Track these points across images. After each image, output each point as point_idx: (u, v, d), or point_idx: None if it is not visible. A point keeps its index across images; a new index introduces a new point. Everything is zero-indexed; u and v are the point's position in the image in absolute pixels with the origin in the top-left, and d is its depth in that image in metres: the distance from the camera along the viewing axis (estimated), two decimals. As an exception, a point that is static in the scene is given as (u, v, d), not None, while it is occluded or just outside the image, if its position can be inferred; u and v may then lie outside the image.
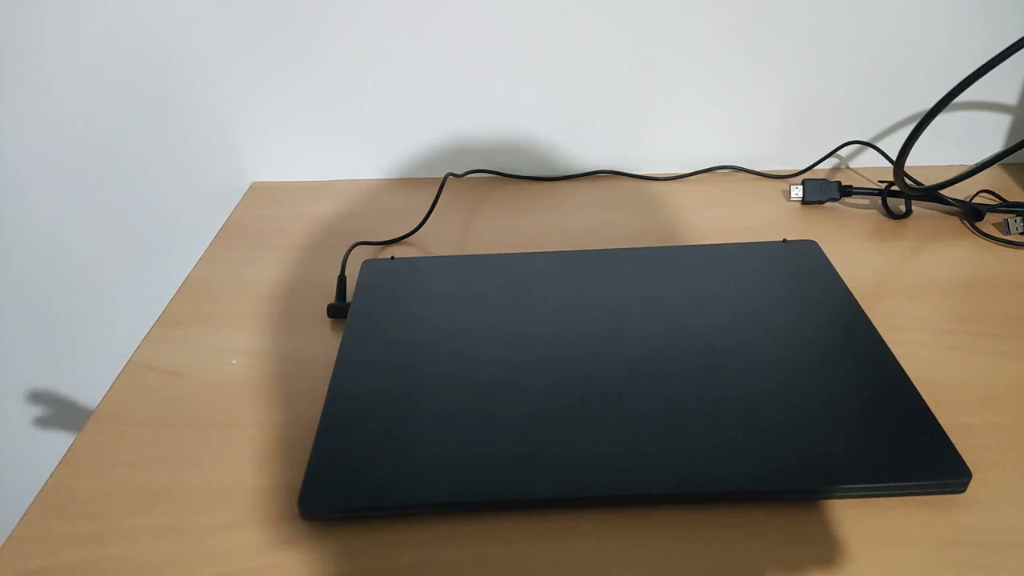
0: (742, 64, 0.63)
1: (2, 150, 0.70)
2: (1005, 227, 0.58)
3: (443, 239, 0.61)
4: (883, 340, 0.45)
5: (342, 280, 0.54)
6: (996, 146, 0.67)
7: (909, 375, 0.43)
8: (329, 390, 0.44)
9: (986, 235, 0.58)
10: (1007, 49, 0.46)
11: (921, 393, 0.41)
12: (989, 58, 0.47)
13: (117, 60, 0.64)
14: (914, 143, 0.52)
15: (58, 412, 0.89)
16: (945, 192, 0.59)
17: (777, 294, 0.50)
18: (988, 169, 0.59)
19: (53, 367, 0.86)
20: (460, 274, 0.53)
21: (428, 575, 0.36)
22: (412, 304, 0.50)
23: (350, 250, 0.57)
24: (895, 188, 0.59)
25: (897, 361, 0.44)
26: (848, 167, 0.69)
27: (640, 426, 0.40)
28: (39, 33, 0.63)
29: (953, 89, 0.48)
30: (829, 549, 0.36)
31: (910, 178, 0.62)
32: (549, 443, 0.40)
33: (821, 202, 0.63)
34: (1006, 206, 0.59)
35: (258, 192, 0.70)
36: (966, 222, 0.59)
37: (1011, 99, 0.65)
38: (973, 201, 0.59)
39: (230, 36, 0.62)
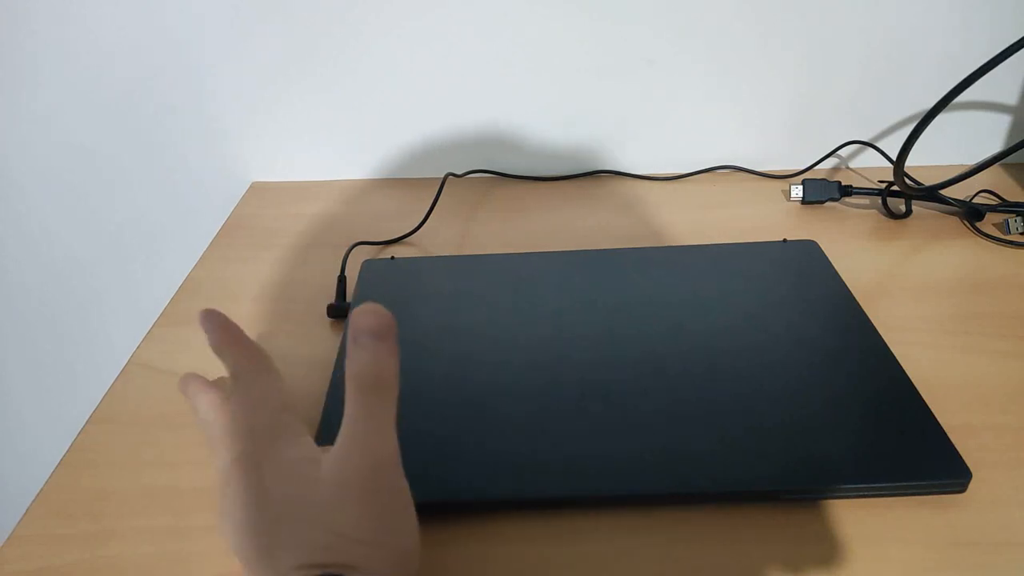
0: (742, 64, 0.63)
1: (1, 150, 0.70)
2: (1005, 227, 0.58)
3: (443, 239, 0.61)
4: (883, 340, 0.45)
5: (342, 280, 0.54)
6: (996, 146, 0.67)
7: (909, 375, 0.43)
8: (329, 390, 0.44)
9: (986, 235, 0.58)
10: (1007, 49, 0.46)
11: (921, 393, 0.41)
12: (989, 58, 0.47)
13: (117, 60, 0.64)
14: (914, 143, 0.52)
15: (58, 412, 0.89)
16: (945, 192, 0.59)
17: (777, 294, 0.50)
18: (988, 169, 0.59)
19: (53, 367, 0.86)
20: (460, 274, 0.53)
21: (428, 575, 0.36)
22: (412, 304, 0.50)
23: (350, 250, 0.57)
24: (895, 188, 0.59)
25: (897, 361, 0.44)
26: (848, 167, 0.69)
27: (640, 426, 0.40)
28: (39, 32, 0.63)
29: (953, 89, 0.48)
30: (829, 549, 0.36)
31: (910, 178, 0.62)
32: (549, 443, 0.40)
33: (821, 202, 0.63)
34: (1006, 206, 0.59)
35: (258, 192, 0.70)
36: (966, 222, 0.59)
37: (1011, 99, 0.65)
38: (973, 201, 0.59)
39: (231, 36, 0.62)
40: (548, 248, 0.56)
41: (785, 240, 0.55)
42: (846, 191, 0.62)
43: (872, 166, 0.68)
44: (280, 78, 0.65)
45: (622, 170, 0.69)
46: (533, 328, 0.48)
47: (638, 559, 0.36)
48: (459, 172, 0.68)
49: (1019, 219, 0.57)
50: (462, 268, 0.54)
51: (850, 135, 0.66)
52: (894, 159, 0.55)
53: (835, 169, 0.69)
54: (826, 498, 0.38)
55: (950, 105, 0.49)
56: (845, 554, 0.35)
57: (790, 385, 0.42)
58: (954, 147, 0.67)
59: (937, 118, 0.50)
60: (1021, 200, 0.61)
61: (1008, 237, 0.57)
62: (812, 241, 0.55)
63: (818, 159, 0.67)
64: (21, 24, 0.63)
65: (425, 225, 0.61)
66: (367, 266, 0.55)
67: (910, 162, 0.54)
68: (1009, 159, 0.64)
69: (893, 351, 0.44)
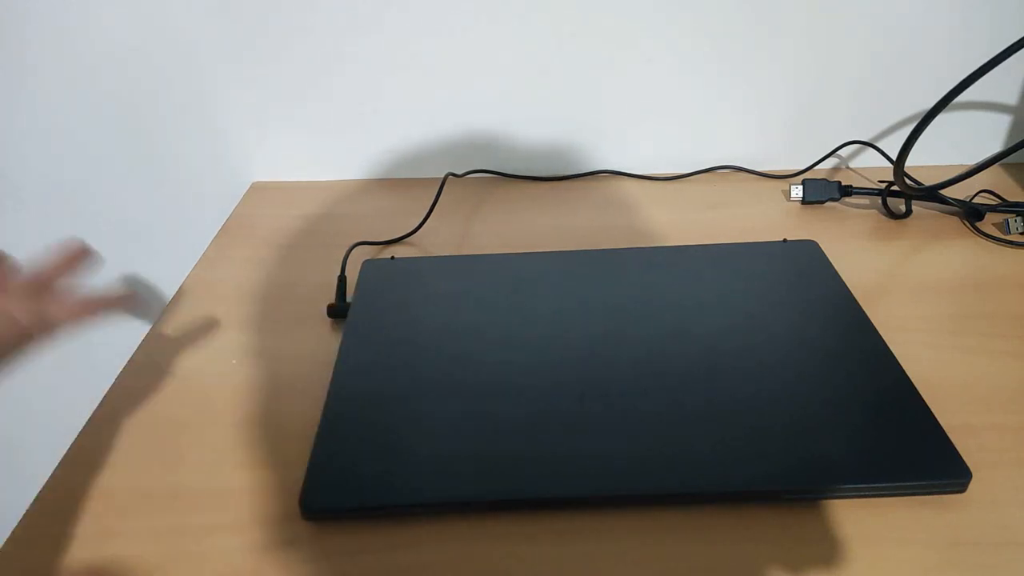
0: (743, 64, 0.63)
1: (3, 151, 0.70)
2: (1005, 227, 0.58)
3: (443, 239, 0.61)
4: (883, 340, 0.45)
5: (342, 280, 0.54)
6: (996, 146, 0.67)
7: (909, 375, 0.43)
8: (329, 390, 0.44)
9: (986, 235, 0.58)
10: (1007, 49, 0.46)
11: (921, 393, 0.41)
12: (989, 58, 0.47)
13: (117, 60, 0.64)
14: (914, 143, 0.52)
15: (58, 412, 0.89)
16: (945, 192, 0.59)
17: (777, 294, 0.50)
18: (988, 169, 0.59)
19: (52, 367, 0.86)
20: (460, 274, 0.53)
21: (428, 575, 0.36)
22: (412, 304, 0.50)
23: (350, 250, 0.57)
24: (895, 188, 0.59)
25: (897, 361, 0.44)
26: (848, 167, 0.69)
27: (640, 426, 0.40)
28: (39, 32, 0.63)
29: (953, 89, 0.48)
30: (829, 549, 0.36)
31: (910, 178, 0.62)
32: (549, 443, 0.40)
33: (821, 202, 0.63)
34: (1006, 206, 0.59)
35: (258, 192, 0.70)
36: (966, 222, 0.59)
37: (1011, 99, 0.65)
38: (973, 201, 0.59)
39: (231, 37, 0.62)
40: (548, 248, 0.56)
41: (785, 240, 0.55)
42: (846, 191, 0.62)
43: (872, 166, 0.68)
44: (280, 79, 0.65)
45: (622, 170, 0.69)
46: (533, 328, 0.48)
47: (638, 559, 0.36)
48: (459, 172, 0.68)
49: (1019, 219, 0.57)
50: (462, 268, 0.54)
51: (850, 135, 0.66)
52: (894, 159, 0.55)
53: (835, 169, 0.69)
54: (826, 498, 0.38)
55: (950, 105, 0.49)
56: (845, 554, 0.35)
57: (790, 385, 0.42)
58: (954, 147, 0.67)
59: (937, 118, 0.50)
60: (1021, 200, 0.61)
61: (1008, 237, 0.57)
62: (812, 241, 0.55)
63: (818, 159, 0.67)
64: (21, 24, 0.63)
65: (425, 225, 0.61)
66: (367, 266, 0.55)
67: (910, 162, 0.54)
68: (1009, 159, 0.64)
69: (893, 351, 0.44)
